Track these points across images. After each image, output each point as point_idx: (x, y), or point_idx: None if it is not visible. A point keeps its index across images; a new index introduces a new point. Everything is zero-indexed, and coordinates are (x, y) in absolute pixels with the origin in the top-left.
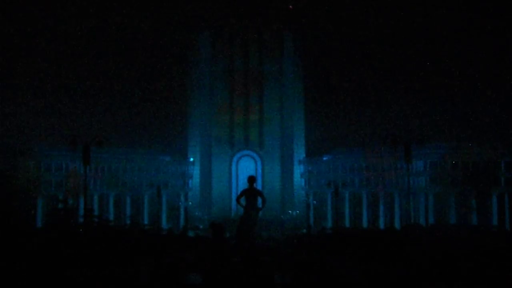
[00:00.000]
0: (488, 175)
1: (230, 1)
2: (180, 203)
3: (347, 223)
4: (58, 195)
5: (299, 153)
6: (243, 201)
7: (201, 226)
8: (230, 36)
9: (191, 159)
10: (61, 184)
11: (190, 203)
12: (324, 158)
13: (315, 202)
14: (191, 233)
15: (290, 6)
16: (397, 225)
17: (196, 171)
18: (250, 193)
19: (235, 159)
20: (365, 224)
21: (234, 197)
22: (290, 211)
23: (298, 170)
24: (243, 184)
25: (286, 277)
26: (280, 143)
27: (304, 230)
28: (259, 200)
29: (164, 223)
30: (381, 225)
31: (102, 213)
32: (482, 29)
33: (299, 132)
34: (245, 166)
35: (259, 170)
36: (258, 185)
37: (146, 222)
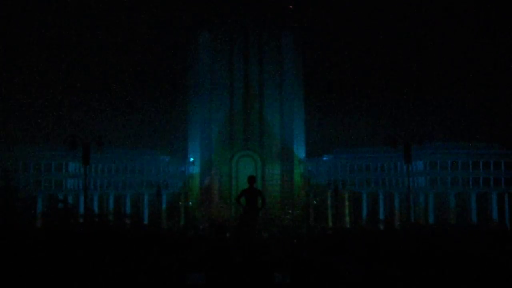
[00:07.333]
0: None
1: (230, 1)
2: (180, 203)
3: (347, 223)
4: (58, 195)
5: (299, 153)
6: (243, 201)
7: (201, 226)
8: (230, 36)
9: (191, 159)
10: (61, 184)
11: (190, 203)
12: (324, 158)
13: (315, 202)
14: (191, 233)
15: (290, 6)
16: (397, 225)
17: (196, 171)
18: (250, 193)
19: (235, 159)
20: (365, 224)
21: (234, 197)
22: (290, 211)
23: (298, 170)
24: (243, 184)
25: (286, 277)
26: (280, 143)
27: (304, 230)
28: (259, 200)
29: (164, 223)
30: (381, 225)
31: (102, 213)
32: (482, 29)
33: (299, 132)
34: (245, 166)
35: (259, 170)
36: (258, 185)
37: (146, 222)
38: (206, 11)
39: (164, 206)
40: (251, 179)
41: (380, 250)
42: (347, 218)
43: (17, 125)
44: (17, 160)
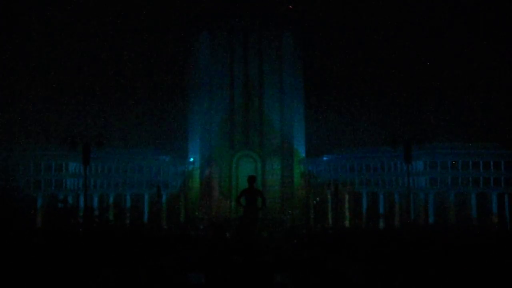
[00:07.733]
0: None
1: (230, 1)
2: (180, 203)
3: (347, 223)
4: (58, 195)
5: (299, 153)
6: (243, 201)
7: (201, 226)
8: (230, 36)
9: (191, 159)
10: (61, 184)
11: (190, 202)
12: (324, 158)
13: (315, 202)
14: (191, 233)
15: (290, 6)
16: (397, 225)
17: (196, 171)
18: (250, 193)
19: (235, 159)
20: (365, 224)
21: (234, 197)
22: (290, 211)
23: (298, 170)
24: (243, 183)
25: (286, 277)
26: (280, 143)
27: (304, 230)
28: (259, 200)
29: (164, 223)
30: (381, 225)
31: (102, 213)
32: (482, 29)
33: (299, 132)
34: (245, 166)
35: (259, 170)
36: (258, 185)
37: (146, 221)
38: (206, 11)
39: (164, 206)
40: (251, 179)
41: (380, 250)
42: (347, 218)
43: (17, 125)
44: (17, 160)
